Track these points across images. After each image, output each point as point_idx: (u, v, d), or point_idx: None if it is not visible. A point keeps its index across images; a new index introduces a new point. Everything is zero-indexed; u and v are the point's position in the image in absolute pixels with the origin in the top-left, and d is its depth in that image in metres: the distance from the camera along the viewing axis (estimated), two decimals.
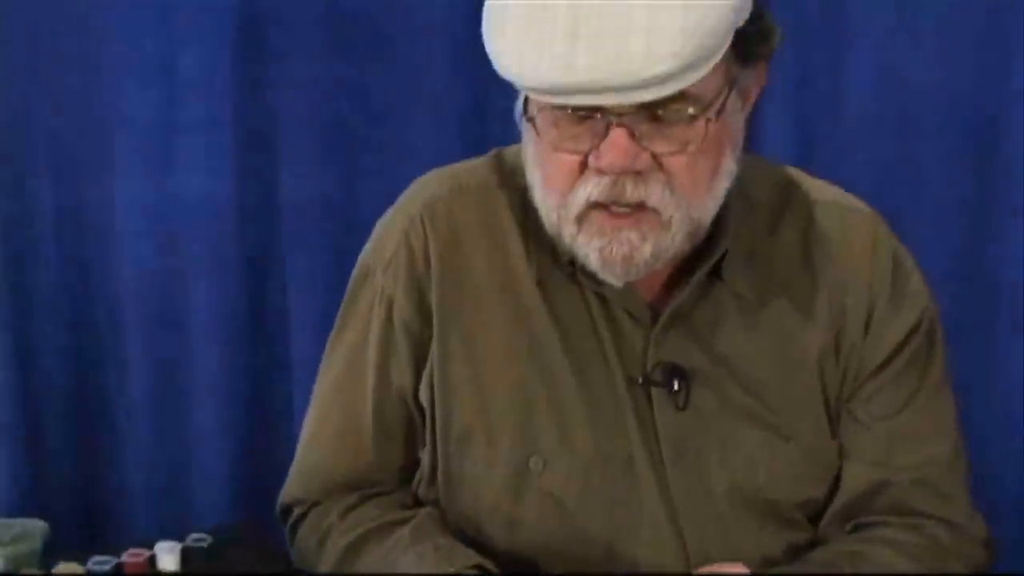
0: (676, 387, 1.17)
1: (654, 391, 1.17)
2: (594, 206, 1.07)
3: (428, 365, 1.21)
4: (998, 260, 1.88)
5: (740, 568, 1.10)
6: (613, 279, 1.12)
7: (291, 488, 1.33)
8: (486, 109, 1.87)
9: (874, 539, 1.20)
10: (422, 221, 1.20)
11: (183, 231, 1.99)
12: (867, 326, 1.21)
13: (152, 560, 1.33)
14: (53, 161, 1.97)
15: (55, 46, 1.91)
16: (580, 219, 1.09)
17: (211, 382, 2.04)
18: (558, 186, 1.09)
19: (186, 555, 1.34)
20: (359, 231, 1.33)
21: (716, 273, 1.17)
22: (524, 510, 1.18)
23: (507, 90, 1.12)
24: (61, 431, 2.05)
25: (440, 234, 1.20)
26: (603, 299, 1.18)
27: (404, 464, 1.27)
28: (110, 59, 1.93)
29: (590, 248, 1.09)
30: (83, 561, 1.33)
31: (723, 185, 1.11)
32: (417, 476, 1.27)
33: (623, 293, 1.16)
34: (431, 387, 1.21)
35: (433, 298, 1.19)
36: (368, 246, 1.27)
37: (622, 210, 1.06)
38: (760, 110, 1.72)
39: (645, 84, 0.98)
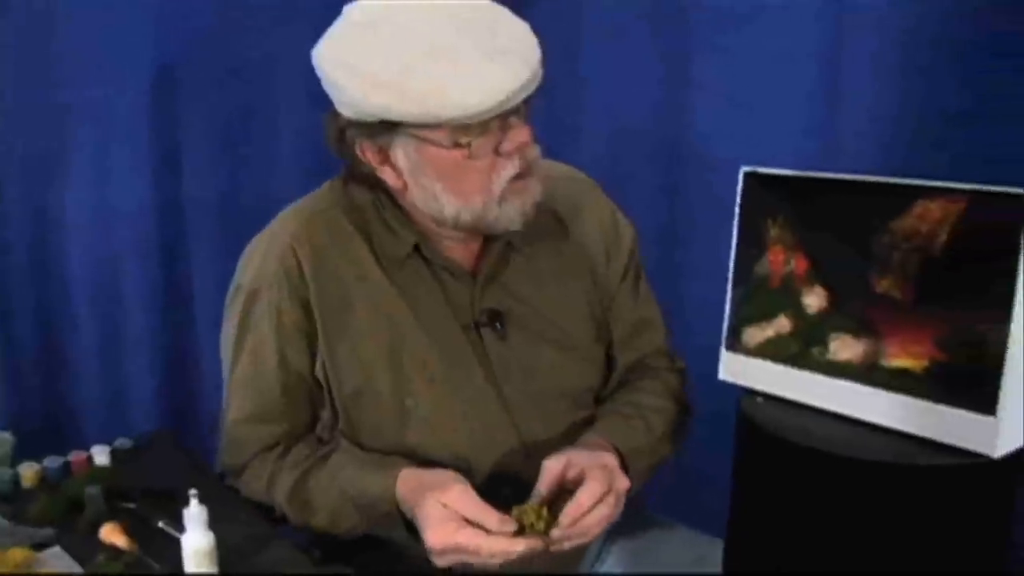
0: (498, 325, 1.37)
1: (483, 330, 1.36)
2: (514, 179, 1.25)
3: (318, 349, 1.34)
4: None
5: (610, 459, 1.28)
6: (519, 226, 1.30)
7: (225, 459, 1.44)
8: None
9: (637, 388, 1.47)
10: (292, 248, 1.32)
11: (116, 226, 2.31)
12: (607, 257, 1.46)
13: (90, 459, 1.45)
14: (23, 174, 2.25)
15: (20, 96, 2.18)
16: (503, 196, 1.26)
17: (139, 335, 2.38)
18: (476, 186, 1.25)
19: (114, 455, 1.46)
20: (245, 222, 1.52)
21: (508, 243, 1.37)
22: (409, 437, 1.34)
23: None
24: (29, 372, 2.35)
25: (306, 253, 1.32)
26: (434, 271, 1.35)
27: (309, 421, 1.41)
28: (63, 106, 2.20)
29: (510, 209, 1.28)
30: (40, 461, 1.44)
31: None
32: (319, 426, 1.41)
33: (449, 263, 1.35)
34: (323, 365, 1.34)
35: (313, 301, 1.32)
36: (248, 273, 1.37)
37: (528, 175, 1.26)
38: None
39: (533, 79, 1.20)
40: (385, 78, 1.17)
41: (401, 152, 1.27)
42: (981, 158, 1.64)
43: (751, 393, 1.34)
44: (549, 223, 1.43)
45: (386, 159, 1.29)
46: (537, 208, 1.34)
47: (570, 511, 1.20)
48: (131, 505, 1.33)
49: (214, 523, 1.18)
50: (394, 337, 1.34)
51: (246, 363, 1.38)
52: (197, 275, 2.36)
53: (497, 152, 1.24)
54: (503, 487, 1.30)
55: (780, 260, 1.27)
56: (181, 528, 1.18)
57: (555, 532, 1.20)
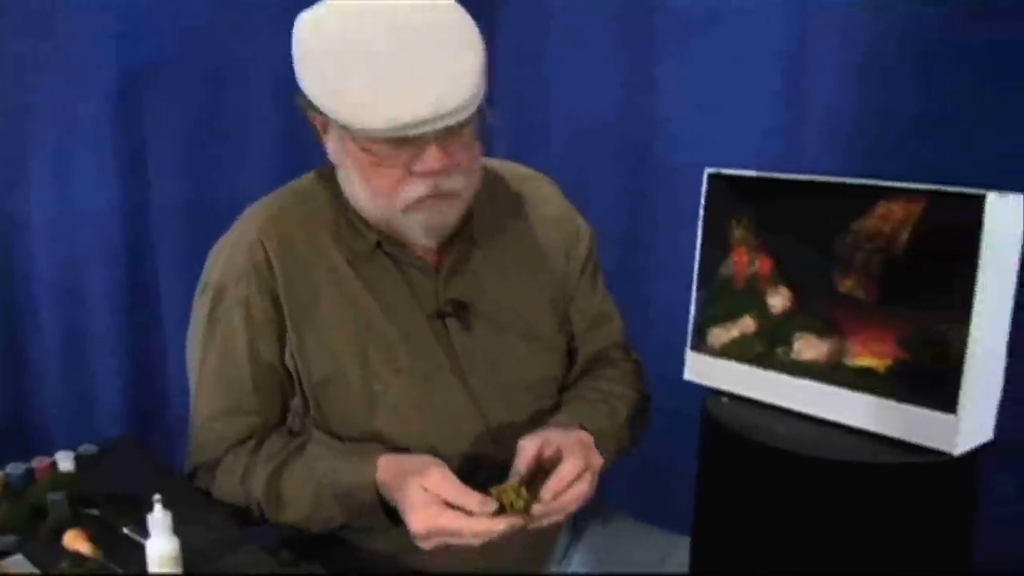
0: (463, 316, 1.40)
1: (448, 320, 1.39)
2: (421, 199, 1.27)
3: (288, 340, 1.36)
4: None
5: (585, 436, 1.32)
6: (431, 242, 1.34)
7: (196, 457, 1.43)
8: (304, 131, 1.91)
9: (599, 376, 1.51)
10: (260, 242, 1.35)
11: (81, 229, 2.30)
12: (566, 255, 1.51)
13: (54, 465, 1.43)
14: None
15: None
16: (407, 209, 1.28)
17: (105, 339, 2.36)
18: (385, 190, 1.27)
19: (79, 460, 1.44)
20: (211, 224, 1.51)
21: (471, 239, 1.41)
22: (377, 422, 1.36)
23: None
24: None
25: (274, 247, 1.35)
26: (399, 264, 1.38)
27: (280, 413, 1.42)
28: (26, 107, 2.21)
29: (412, 222, 1.30)
30: (3, 467, 1.42)
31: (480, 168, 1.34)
32: (290, 416, 1.42)
33: (412, 257, 1.38)
34: (292, 355, 1.36)
35: (281, 293, 1.34)
36: (216, 270, 1.38)
37: (438, 197, 1.27)
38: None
39: (461, 110, 1.20)
40: (317, 69, 1.22)
41: (333, 134, 1.30)
42: (942, 159, 1.67)
43: (716, 393, 1.34)
44: (512, 221, 1.48)
45: (327, 132, 1.33)
46: (497, 207, 1.42)
47: (552, 485, 1.23)
48: (95, 511, 1.32)
49: (179, 527, 1.17)
50: (361, 328, 1.36)
51: (215, 358, 1.39)
52: (164, 278, 2.36)
53: (409, 169, 1.25)
54: (472, 475, 1.31)
55: (744, 261, 1.29)
56: (146, 534, 1.18)
57: (536, 508, 1.22)
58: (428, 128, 1.19)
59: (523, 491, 1.23)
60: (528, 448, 1.27)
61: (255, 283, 1.35)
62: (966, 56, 1.75)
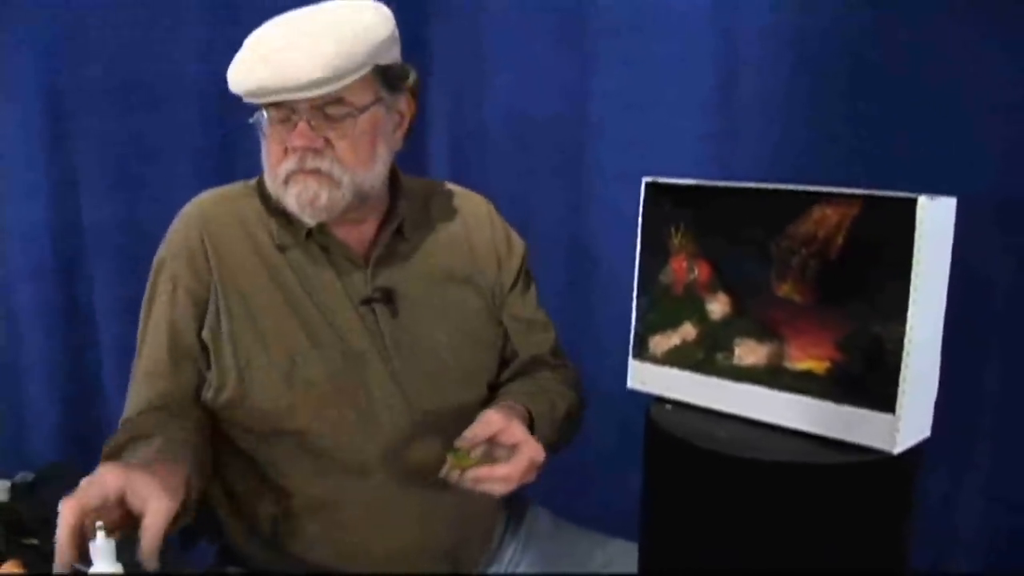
0: (390, 301, 1.46)
1: (376, 307, 1.45)
2: (292, 173, 1.38)
3: (209, 316, 1.42)
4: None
5: (539, 453, 1.35)
6: (309, 219, 1.41)
7: (125, 412, 1.45)
8: (235, 148, 2.10)
9: (538, 376, 1.56)
10: (198, 226, 1.44)
11: (12, 249, 2.30)
12: (499, 265, 1.58)
13: None
14: None
15: None
16: (285, 181, 1.39)
17: (38, 359, 2.35)
18: (273, 165, 1.39)
19: (14, 489, 1.48)
20: (144, 243, 1.54)
21: (400, 232, 1.49)
22: (294, 395, 1.39)
23: (249, 132, 1.41)
24: None
25: (210, 229, 1.44)
26: (329, 254, 1.46)
27: (197, 384, 1.43)
28: None
29: (289, 196, 1.39)
30: None
31: (380, 167, 1.42)
32: (205, 389, 1.43)
33: (342, 247, 1.46)
34: (212, 330, 1.41)
35: (214, 272, 1.42)
36: (161, 247, 1.48)
37: (307, 172, 1.36)
38: (427, 137, 2.21)
39: (306, 87, 1.30)
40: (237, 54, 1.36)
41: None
42: (874, 163, 1.70)
43: (661, 401, 1.35)
44: (444, 225, 1.57)
45: None
46: (428, 210, 1.54)
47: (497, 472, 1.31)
48: (33, 541, 1.30)
49: (121, 555, 1.13)
50: (288, 309, 1.43)
51: (149, 325, 1.46)
52: (98, 298, 2.34)
53: (284, 146, 1.38)
54: (394, 457, 1.40)
55: (683, 268, 1.30)
56: (87, 562, 1.14)
57: (470, 473, 1.30)
58: (274, 97, 1.33)
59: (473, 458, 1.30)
60: (495, 422, 1.33)
61: (185, 260, 1.43)
62: (895, 58, 1.79)
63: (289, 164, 1.38)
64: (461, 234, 1.58)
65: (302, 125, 1.36)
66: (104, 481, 1.12)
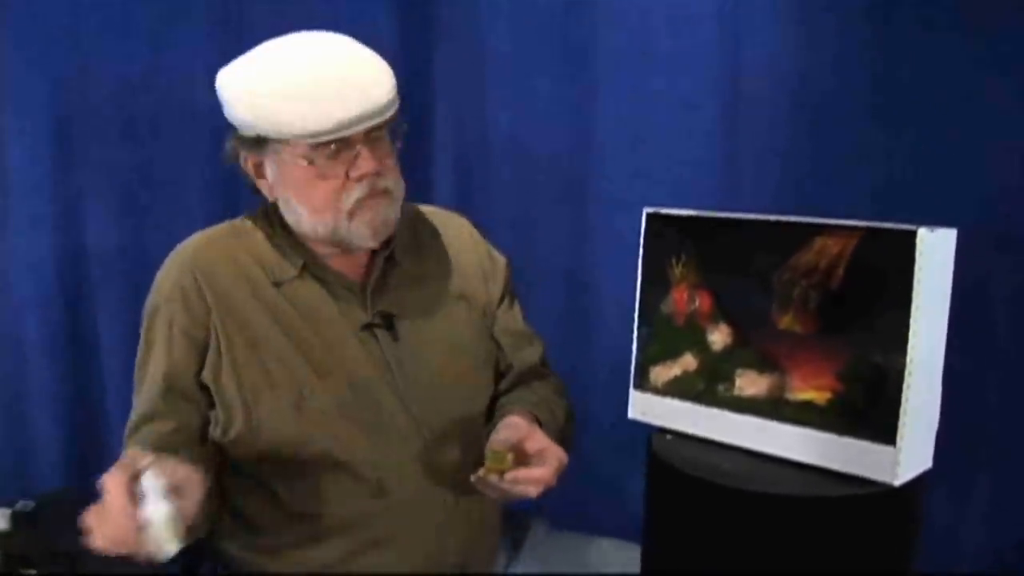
0: (390, 326, 1.46)
1: (377, 331, 1.45)
2: (361, 199, 1.36)
3: (210, 356, 1.40)
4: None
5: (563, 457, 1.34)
6: (372, 243, 1.41)
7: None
8: (240, 178, 2.06)
9: (534, 386, 1.56)
10: (190, 269, 1.42)
11: (18, 277, 2.31)
12: (485, 282, 1.58)
13: None
14: None
15: None
16: (351, 213, 1.37)
17: (42, 385, 2.35)
18: (331, 201, 1.37)
19: (15, 517, 1.49)
20: (148, 272, 1.49)
21: (392, 258, 1.48)
22: (305, 424, 1.39)
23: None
24: None
25: (203, 270, 1.41)
26: (326, 285, 1.45)
27: (199, 424, 1.41)
28: None
29: (359, 224, 1.38)
30: None
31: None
32: (212, 427, 1.41)
33: (339, 277, 1.46)
34: (213, 369, 1.39)
35: (212, 311, 1.40)
36: (152, 294, 1.44)
37: (378, 195, 1.36)
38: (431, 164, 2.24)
39: (385, 109, 1.33)
40: (254, 99, 1.33)
41: (269, 165, 1.40)
42: (875, 195, 1.70)
43: (662, 431, 1.35)
44: (431, 246, 1.58)
45: (261, 172, 1.42)
46: (416, 234, 1.53)
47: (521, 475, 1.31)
48: (32, 572, 1.31)
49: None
50: (290, 342, 1.42)
51: (147, 371, 1.43)
52: (102, 326, 2.36)
53: (348, 176, 1.36)
54: (406, 478, 1.40)
55: (684, 299, 1.30)
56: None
57: (509, 475, 1.29)
58: (362, 126, 1.33)
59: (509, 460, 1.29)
60: (523, 427, 1.36)
61: (180, 303, 1.41)
62: (895, 93, 1.79)
63: (358, 192, 1.38)
64: (448, 255, 1.59)
65: (365, 152, 1.36)
66: (134, 454, 1.15)
